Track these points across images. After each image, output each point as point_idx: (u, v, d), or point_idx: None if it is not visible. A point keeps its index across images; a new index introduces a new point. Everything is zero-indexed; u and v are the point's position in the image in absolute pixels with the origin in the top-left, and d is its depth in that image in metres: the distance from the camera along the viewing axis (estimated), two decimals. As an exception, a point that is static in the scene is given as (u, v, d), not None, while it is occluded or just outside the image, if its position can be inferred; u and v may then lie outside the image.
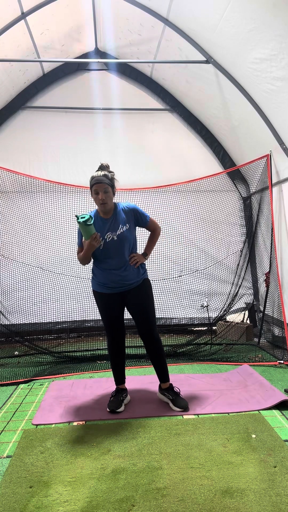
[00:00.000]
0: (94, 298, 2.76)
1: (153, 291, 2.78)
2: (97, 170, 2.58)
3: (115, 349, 2.75)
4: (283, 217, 4.02)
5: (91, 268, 2.76)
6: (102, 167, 2.60)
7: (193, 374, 3.38)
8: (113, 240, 2.59)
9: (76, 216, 2.40)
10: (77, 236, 2.69)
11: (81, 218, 2.37)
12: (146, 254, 2.77)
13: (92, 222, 2.39)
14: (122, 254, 2.60)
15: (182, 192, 4.82)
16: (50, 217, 4.73)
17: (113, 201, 2.65)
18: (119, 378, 2.81)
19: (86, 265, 2.69)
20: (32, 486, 1.84)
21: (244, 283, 4.78)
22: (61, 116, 4.94)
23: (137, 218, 2.69)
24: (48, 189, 4.72)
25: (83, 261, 2.62)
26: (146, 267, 2.84)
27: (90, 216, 2.40)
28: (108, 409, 2.64)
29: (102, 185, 2.49)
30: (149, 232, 2.82)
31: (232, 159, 5.00)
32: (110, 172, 2.60)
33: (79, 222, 2.36)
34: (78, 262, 2.76)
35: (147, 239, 2.83)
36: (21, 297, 4.60)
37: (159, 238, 2.88)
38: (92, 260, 2.71)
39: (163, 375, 2.76)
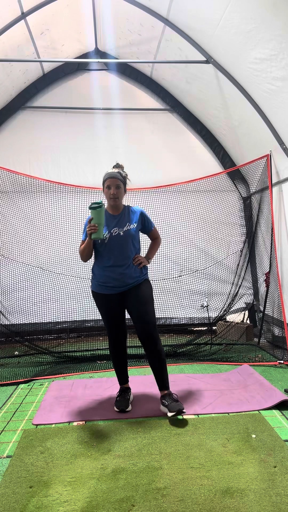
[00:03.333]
0: (94, 300, 2.75)
1: (153, 292, 2.76)
2: (112, 168, 2.66)
3: (116, 350, 2.73)
4: (283, 217, 4.02)
5: (91, 268, 2.76)
6: (117, 166, 2.68)
7: (193, 374, 3.37)
8: (118, 236, 2.59)
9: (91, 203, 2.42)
10: (82, 231, 2.69)
11: (93, 204, 2.40)
12: (148, 258, 2.80)
13: (102, 208, 2.40)
14: (126, 251, 2.60)
15: (182, 192, 4.82)
16: (50, 217, 4.73)
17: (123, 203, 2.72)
18: (122, 378, 2.80)
19: (86, 262, 2.67)
20: (32, 486, 1.84)
21: (244, 283, 4.78)
22: (61, 116, 4.94)
23: (144, 222, 2.73)
24: (48, 189, 4.72)
25: (83, 252, 2.60)
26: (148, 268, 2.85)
27: (102, 202, 2.43)
28: (116, 409, 2.64)
29: (115, 180, 2.56)
30: (150, 241, 2.89)
31: (232, 159, 5.00)
32: (124, 172, 2.69)
33: (91, 208, 2.39)
34: (79, 260, 2.76)
35: (147, 247, 2.86)
36: (21, 297, 4.60)
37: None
38: (94, 259, 2.70)
39: (162, 381, 2.60)
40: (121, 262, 2.60)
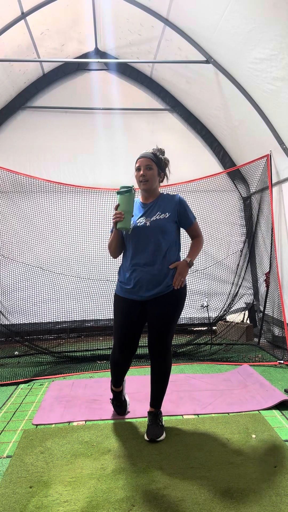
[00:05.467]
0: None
1: (184, 302, 2.28)
2: None
3: (117, 359, 2.35)
4: (283, 217, 4.02)
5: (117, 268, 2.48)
6: (156, 148, 2.30)
7: (193, 374, 3.37)
8: (144, 227, 2.17)
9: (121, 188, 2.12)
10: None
11: (122, 188, 2.09)
12: (190, 261, 2.23)
13: (131, 193, 2.08)
14: (152, 247, 2.15)
15: (182, 192, 4.81)
16: (50, 217, 4.73)
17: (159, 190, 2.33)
18: (117, 382, 2.49)
19: (116, 258, 2.34)
20: (32, 486, 1.84)
21: (244, 283, 4.78)
22: (61, 116, 4.94)
23: (181, 213, 2.25)
24: (48, 189, 4.72)
25: (110, 246, 2.26)
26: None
27: (133, 187, 2.11)
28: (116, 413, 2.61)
29: (146, 160, 2.19)
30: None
31: (232, 159, 5.00)
32: (164, 156, 2.31)
33: (119, 193, 2.08)
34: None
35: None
36: (21, 297, 4.60)
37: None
38: (122, 256, 2.34)
39: (154, 399, 2.31)
40: (145, 260, 2.16)
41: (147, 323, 2.27)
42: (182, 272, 2.19)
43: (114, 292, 2.37)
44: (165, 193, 2.35)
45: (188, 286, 4.75)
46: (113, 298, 2.38)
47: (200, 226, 2.42)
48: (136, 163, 2.25)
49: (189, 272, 2.27)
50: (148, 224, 2.18)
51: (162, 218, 2.19)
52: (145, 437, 2.24)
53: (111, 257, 2.35)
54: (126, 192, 2.07)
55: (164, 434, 2.26)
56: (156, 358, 2.24)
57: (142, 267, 2.17)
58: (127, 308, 2.24)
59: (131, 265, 2.21)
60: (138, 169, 2.23)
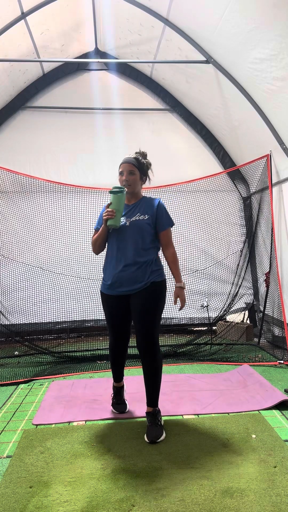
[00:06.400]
0: (97, 299, 2.61)
1: (165, 297, 2.37)
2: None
3: (115, 351, 2.52)
4: (283, 217, 4.02)
5: (101, 268, 2.54)
6: (138, 152, 2.41)
7: (193, 374, 3.37)
8: (124, 226, 2.29)
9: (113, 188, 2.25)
10: (97, 220, 2.47)
11: (114, 188, 2.23)
12: (182, 283, 2.37)
13: (123, 194, 2.22)
14: (130, 246, 2.26)
15: (182, 192, 4.82)
16: (50, 217, 4.73)
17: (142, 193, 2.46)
18: (118, 376, 2.62)
19: (98, 254, 2.47)
20: (32, 486, 1.84)
21: (244, 283, 4.78)
22: (61, 116, 4.94)
23: (158, 216, 2.33)
24: (48, 189, 4.72)
25: (96, 242, 2.36)
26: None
27: (124, 188, 2.25)
28: (116, 411, 2.62)
29: (128, 165, 2.32)
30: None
31: (232, 159, 5.00)
32: (146, 160, 2.41)
33: (112, 192, 2.21)
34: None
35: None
36: (21, 297, 4.60)
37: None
38: (106, 253, 2.44)
39: (149, 398, 2.32)
40: (125, 258, 2.27)
41: (132, 320, 2.38)
42: (182, 297, 2.36)
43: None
44: (147, 196, 2.47)
45: (187, 286, 4.80)
46: None
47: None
48: (119, 167, 2.37)
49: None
50: (127, 224, 2.31)
51: (141, 219, 2.31)
52: (145, 439, 2.24)
53: (94, 254, 2.42)
54: (119, 192, 2.20)
55: (164, 434, 2.26)
56: (145, 355, 2.28)
57: (123, 265, 2.29)
58: (110, 303, 2.38)
59: (113, 263, 2.33)
60: (121, 174, 2.36)
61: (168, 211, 2.42)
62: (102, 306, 2.49)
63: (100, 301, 2.47)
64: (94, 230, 2.46)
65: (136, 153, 2.43)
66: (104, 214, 2.22)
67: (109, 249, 2.37)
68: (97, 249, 2.41)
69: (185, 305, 4.77)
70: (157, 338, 2.31)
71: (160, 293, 2.32)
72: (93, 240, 2.40)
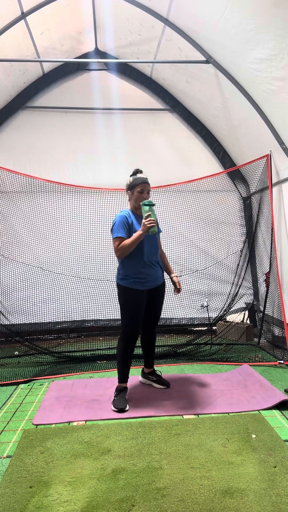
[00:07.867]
0: (120, 297, 2.77)
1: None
2: (136, 173, 2.79)
3: (133, 346, 2.81)
4: (283, 217, 4.02)
5: (117, 268, 2.87)
6: (141, 171, 2.83)
7: (193, 374, 3.37)
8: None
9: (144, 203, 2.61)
10: (118, 229, 2.69)
11: (147, 202, 2.61)
12: (171, 272, 3.06)
13: (154, 205, 2.64)
14: (157, 250, 2.85)
15: (182, 192, 4.82)
16: (50, 217, 4.73)
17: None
18: (127, 376, 2.87)
19: (122, 257, 2.72)
20: (32, 486, 1.84)
21: (244, 283, 4.78)
22: (61, 116, 4.94)
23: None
24: (48, 189, 4.72)
25: (131, 246, 2.64)
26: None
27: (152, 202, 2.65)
28: (115, 408, 2.65)
29: (148, 186, 2.77)
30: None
31: (232, 159, 5.00)
32: None
33: (145, 204, 2.59)
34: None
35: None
36: (21, 297, 4.60)
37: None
38: (127, 257, 2.74)
39: (150, 361, 3.10)
40: (156, 259, 2.83)
41: (149, 305, 2.89)
42: (178, 283, 3.00)
43: (124, 286, 2.77)
44: None
45: (187, 286, 4.80)
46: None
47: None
48: (138, 185, 2.73)
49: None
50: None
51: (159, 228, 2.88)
52: (158, 387, 3.03)
53: (115, 257, 2.87)
54: (153, 205, 2.62)
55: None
56: (152, 330, 3.02)
57: (153, 265, 2.81)
58: (142, 297, 2.79)
59: (142, 263, 2.75)
60: (140, 192, 2.75)
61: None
62: (128, 303, 2.76)
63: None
64: (119, 238, 2.69)
65: (140, 172, 2.82)
66: (147, 222, 2.56)
67: (138, 251, 2.72)
68: (127, 254, 2.69)
69: (185, 305, 4.80)
70: None
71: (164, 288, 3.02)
72: (125, 246, 2.65)
